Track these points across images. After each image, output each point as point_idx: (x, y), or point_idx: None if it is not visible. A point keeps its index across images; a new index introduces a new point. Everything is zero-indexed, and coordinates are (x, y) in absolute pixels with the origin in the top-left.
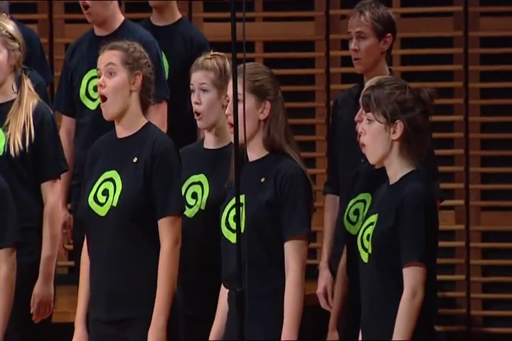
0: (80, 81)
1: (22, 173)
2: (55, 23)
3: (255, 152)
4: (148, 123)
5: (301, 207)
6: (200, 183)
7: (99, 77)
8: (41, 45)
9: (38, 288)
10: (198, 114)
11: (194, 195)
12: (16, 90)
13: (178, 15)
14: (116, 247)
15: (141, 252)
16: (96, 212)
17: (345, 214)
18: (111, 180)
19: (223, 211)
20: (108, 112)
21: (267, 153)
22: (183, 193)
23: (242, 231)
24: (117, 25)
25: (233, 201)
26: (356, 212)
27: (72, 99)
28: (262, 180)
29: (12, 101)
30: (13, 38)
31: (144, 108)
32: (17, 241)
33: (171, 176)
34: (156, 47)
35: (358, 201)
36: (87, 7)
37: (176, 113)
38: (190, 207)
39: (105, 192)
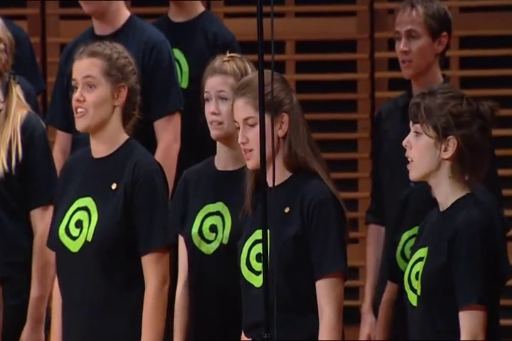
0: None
1: (7, 199)
2: (47, 20)
3: (276, 175)
4: (129, 140)
5: (334, 239)
6: (219, 214)
7: (75, 88)
8: (31, 45)
9: (26, 334)
10: (216, 122)
11: (213, 228)
12: (2, 99)
13: (201, 9)
14: (92, 289)
15: (121, 295)
16: (67, 247)
17: (399, 249)
18: (85, 209)
19: (242, 249)
20: (82, 124)
21: (289, 174)
22: (198, 226)
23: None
24: (122, 22)
25: (254, 237)
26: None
27: (69, 111)
28: (287, 210)
29: None
30: None
31: (126, 122)
32: (3, 275)
33: (155, 205)
34: (168, 49)
35: (414, 235)
36: None
37: (194, 124)
38: (209, 242)
39: (78, 224)
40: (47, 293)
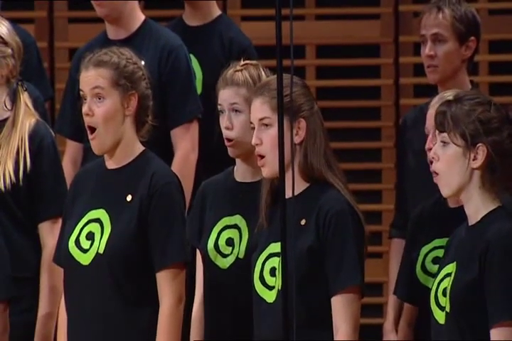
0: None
1: (14, 211)
2: (56, 23)
3: (291, 186)
4: (146, 151)
5: (350, 252)
6: (236, 227)
7: (84, 99)
8: (38, 50)
9: None
10: (230, 141)
11: (230, 242)
12: (9, 107)
13: (217, 12)
14: (102, 305)
15: (134, 312)
16: (77, 259)
17: (419, 264)
18: (97, 221)
19: (255, 263)
20: (99, 146)
21: (306, 185)
22: (214, 239)
23: (279, 287)
24: (136, 25)
25: (268, 250)
26: (436, 261)
27: (80, 119)
28: (303, 222)
29: (4, 120)
30: (4, 42)
31: (140, 130)
32: (9, 296)
33: (172, 219)
34: (185, 54)
35: (435, 247)
36: None
37: (209, 132)
38: (225, 256)
39: (90, 236)
40: (56, 310)
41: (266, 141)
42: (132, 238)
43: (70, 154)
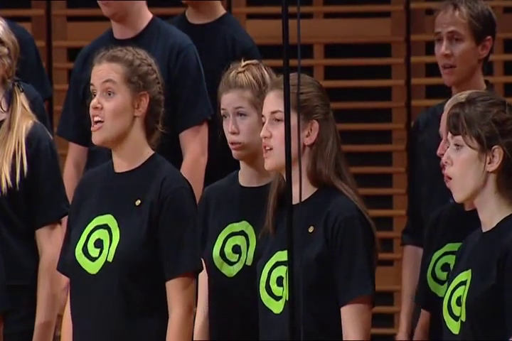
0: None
1: (11, 217)
2: (54, 21)
3: (298, 191)
4: (155, 156)
5: (360, 261)
6: (243, 233)
7: (93, 95)
8: (37, 49)
9: None
10: (236, 144)
11: (236, 249)
12: (5, 109)
13: (221, 11)
14: (111, 315)
15: (143, 321)
16: (85, 268)
17: (430, 270)
18: (105, 227)
19: (261, 272)
20: (99, 136)
21: (314, 190)
22: (220, 246)
23: (286, 297)
24: (143, 24)
25: (275, 258)
26: (446, 268)
27: (83, 121)
28: (311, 229)
29: (0, 122)
30: (0, 42)
31: (149, 136)
32: (4, 309)
33: (184, 225)
34: (196, 54)
35: (446, 253)
36: None
37: (213, 136)
38: (232, 263)
39: (98, 243)
40: (54, 319)
41: (276, 134)
42: (142, 245)
43: (73, 157)
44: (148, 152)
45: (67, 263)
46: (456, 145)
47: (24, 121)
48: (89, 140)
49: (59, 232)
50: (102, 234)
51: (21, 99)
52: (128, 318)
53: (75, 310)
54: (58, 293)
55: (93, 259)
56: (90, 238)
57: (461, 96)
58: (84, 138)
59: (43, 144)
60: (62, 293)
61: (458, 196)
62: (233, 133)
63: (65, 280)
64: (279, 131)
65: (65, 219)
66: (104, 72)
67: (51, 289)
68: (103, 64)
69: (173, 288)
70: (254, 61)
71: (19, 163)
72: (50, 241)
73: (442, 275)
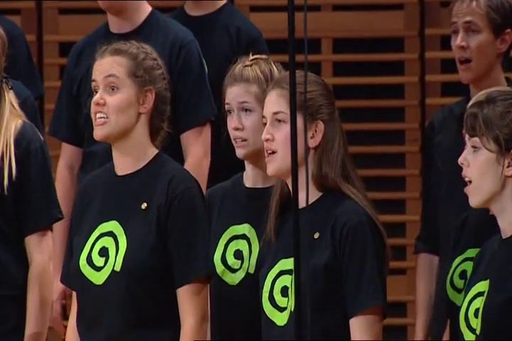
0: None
1: None
2: (45, 14)
3: (303, 195)
4: (160, 155)
5: (370, 269)
6: (245, 237)
7: (95, 91)
8: (27, 44)
9: None
10: (239, 141)
11: (238, 254)
12: None
13: (222, 1)
14: (120, 327)
15: (154, 333)
16: (90, 279)
17: (449, 277)
18: (111, 234)
19: (264, 281)
20: (102, 131)
21: (319, 194)
22: (221, 251)
23: (291, 308)
24: (142, 18)
25: (278, 267)
26: (463, 275)
27: (78, 120)
28: (316, 235)
29: None
30: None
31: (154, 136)
32: None
33: (195, 227)
34: (198, 50)
35: (465, 259)
36: None
37: (216, 135)
38: (234, 271)
39: (103, 252)
40: (45, 330)
41: (278, 137)
42: (151, 251)
43: (66, 159)
44: (153, 151)
45: (71, 275)
46: (474, 147)
47: (13, 121)
48: (83, 140)
49: (50, 239)
50: (107, 241)
51: (10, 97)
52: (139, 330)
53: (82, 323)
54: (49, 304)
55: (98, 269)
56: (95, 247)
57: (482, 94)
58: (78, 138)
59: (33, 145)
60: (55, 304)
61: (473, 200)
62: (237, 129)
63: (56, 290)
64: (281, 133)
65: (56, 226)
66: (107, 66)
67: (41, 299)
68: (106, 58)
69: (185, 296)
70: (264, 56)
71: (7, 166)
72: (40, 249)
73: (459, 283)
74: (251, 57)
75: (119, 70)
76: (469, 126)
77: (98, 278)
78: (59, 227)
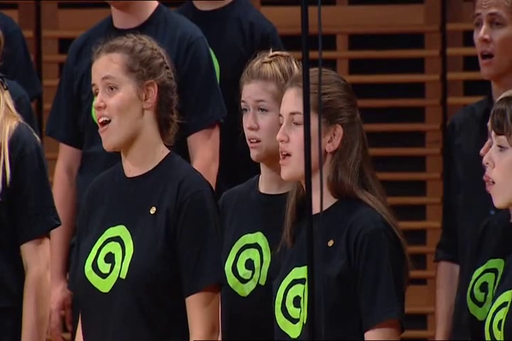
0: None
1: None
2: (43, 9)
3: (318, 200)
4: (171, 155)
5: (387, 279)
6: (257, 246)
7: (95, 94)
8: (24, 41)
9: None
10: (254, 142)
11: (249, 264)
12: None
13: None
14: (127, 336)
15: None
16: (96, 286)
17: (469, 289)
18: (117, 239)
19: (277, 291)
20: (110, 141)
21: (334, 200)
22: (232, 261)
23: (304, 320)
24: (148, 13)
25: (292, 276)
26: (484, 288)
27: (77, 120)
28: (330, 243)
29: None
30: None
31: (164, 130)
32: None
33: (206, 233)
34: (207, 47)
35: (486, 270)
36: None
37: (231, 137)
38: (244, 281)
39: (109, 258)
40: None
41: (294, 139)
42: (159, 258)
43: (64, 161)
44: (163, 151)
45: (76, 282)
46: (500, 146)
47: (8, 122)
48: (82, 141)
49: (47, 247)
50: (113, 247)
51: (5, 98)
52: (147, 339)
53: (88, 333)
54: (46, 315)
55: (104, 276)
56: (101, 252)
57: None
58: (78, 138)
59: (29, 148)
60: (53, 315)
61: (497, 201)
62: (251, 128)
63: (55, 300)
64: (297, 135)
65: (53, 233)
66: (102, 67)
67: (38, 311)
68: (101, 57)
69: (194, 305)
70: (285, 53)
71: (1, 170)
72: (36, 258)
73: (480, 296)
74: (271, 54)
75: (114, 69)
76: (496, 123)
77: (104, 286)
78: (57, 233)
